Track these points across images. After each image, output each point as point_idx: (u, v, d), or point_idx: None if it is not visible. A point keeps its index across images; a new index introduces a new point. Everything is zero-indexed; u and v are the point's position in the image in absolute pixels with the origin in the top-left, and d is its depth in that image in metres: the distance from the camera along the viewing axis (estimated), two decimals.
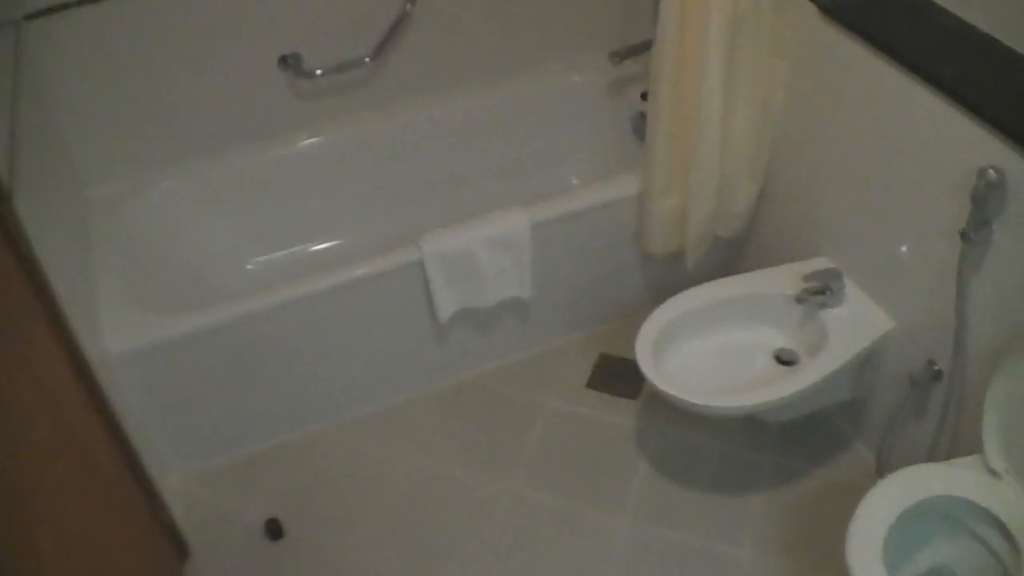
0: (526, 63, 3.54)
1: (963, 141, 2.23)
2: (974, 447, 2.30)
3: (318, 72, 3.17)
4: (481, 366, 3.21)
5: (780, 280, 2.77)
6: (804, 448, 2.97)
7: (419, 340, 3.03)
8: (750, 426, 3.00)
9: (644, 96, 3.29)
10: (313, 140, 3.34)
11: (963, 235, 2.23)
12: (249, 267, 3.39)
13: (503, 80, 3.52)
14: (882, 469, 2.76)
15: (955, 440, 2.58)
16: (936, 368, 2.55)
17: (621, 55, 3.37)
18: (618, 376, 3.16)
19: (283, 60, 3.13)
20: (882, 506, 2.20)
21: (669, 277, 3.16)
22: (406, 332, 3.00)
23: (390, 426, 3.06)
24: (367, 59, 3.21)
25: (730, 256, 3.27)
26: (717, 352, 2.74)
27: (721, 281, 2.80)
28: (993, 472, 2.26)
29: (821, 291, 2.66)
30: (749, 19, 2.60)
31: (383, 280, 2.81)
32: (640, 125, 3.22)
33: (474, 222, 2.86)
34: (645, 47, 3.10)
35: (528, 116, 3.59)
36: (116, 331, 2.62)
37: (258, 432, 3.00)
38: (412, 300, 2.90)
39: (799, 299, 2.67)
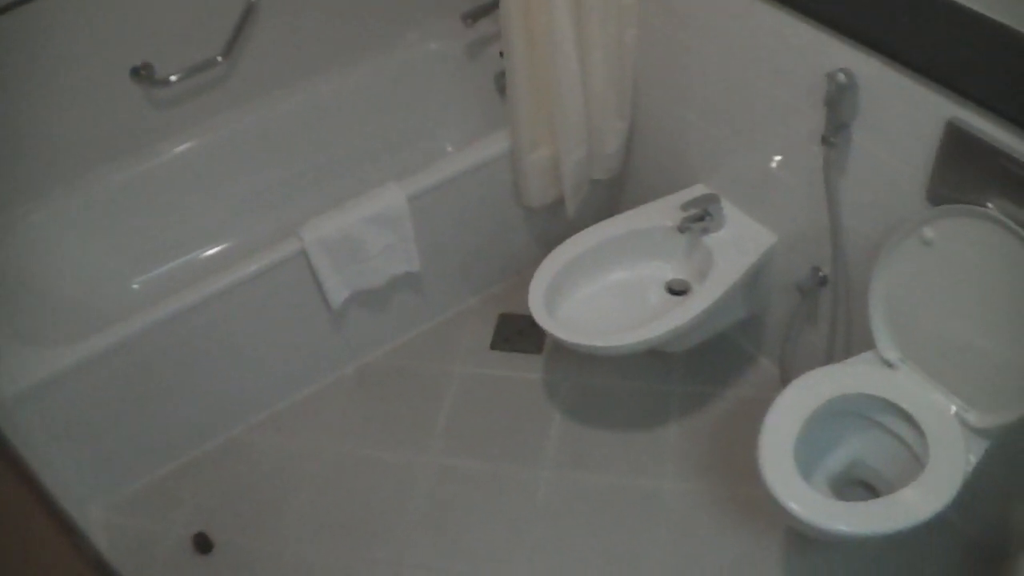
0: (382, 38, 3.51)
1: (809, 49, 2.28)
2: (868, 343, 2.37)
3: (173, 78, 3.10)
4: (383, 345, 3.21)
5: (660, 213, 2.80)
6: (710, 372, 3.03)
7: (317, 329, 3.01)
8: (655, 360, 3.04)
9: (503, 54, 3.29)
10: (182, 147, 3.26)
11: (824, 140, 2.29)
12: (135, 287, 3.32)
13: (362, 58, 3.49)
14: (787, 379, 2.82)
15: (850, 339, 2.65)
16: (821, 273, 2.61)
17: (473, 16, 3.36)
18: (519, 333, 3.18)
19: (135, 72, 3.05)
20: (787, 414, 2.25)
21: (554, 227, 3.18)
22: (303, 324, 2.97)
23: (303, 419, 3.05)
24: (219, 58, 3.15)
25: (611, 198, 3.30)
26: (610, 293, 2.78)
27: (603, 223, 2.82)
28: (888, 363, 2.34)
29: (701, 217, 2.70)
30: None
31: (269, 276, 2.78)
32: (503, 83, 3.21)
33: (351, 204, 2.84)
34: (495, 4, 3.10)
35: (393, 90, 3.57)
36: (6, 373, 2.56)
37: (171, 448, 2.95)
38: (303, 291, 2.88)
39: (681, 228, 2.70)
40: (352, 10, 3.38)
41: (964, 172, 2.06)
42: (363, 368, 3.17)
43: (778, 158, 2.57)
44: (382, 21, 3.48)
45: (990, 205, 2.02)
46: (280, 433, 3.02)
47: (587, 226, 2.83)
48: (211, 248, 3.43)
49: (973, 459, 2.16)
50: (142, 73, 3.06)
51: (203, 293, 2.70)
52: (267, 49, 3.27)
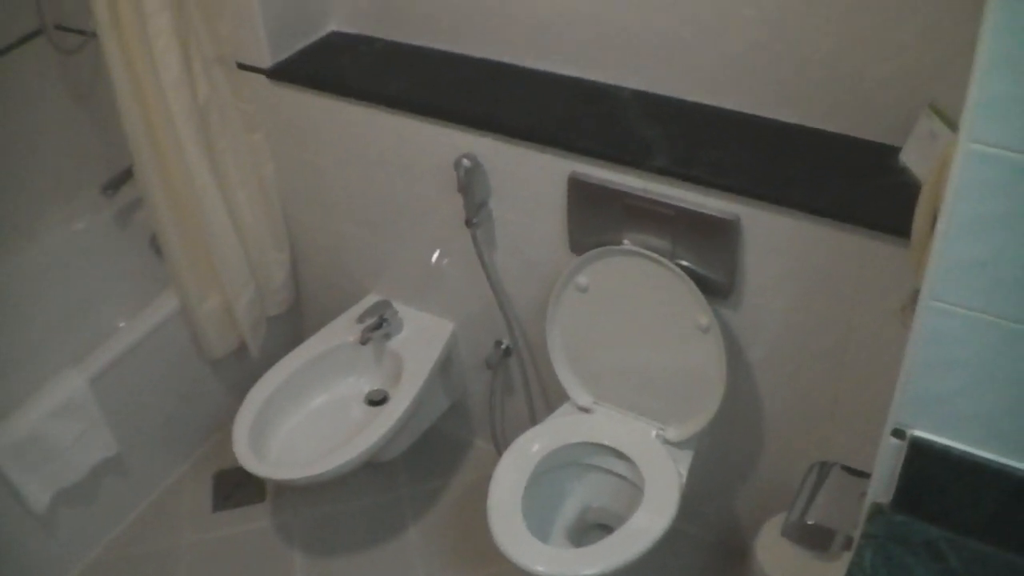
0: (22, 229, 3.36)
1: (431, 144, 2.42)
2: (564, 396, 2.50)
3: None
4: (103, 537, 3.03)
5: (340, 331, 2.85)
6: (432, 467, 3.08)
7: (28, 541, 2.81)
8: (376, 471, 3.06)
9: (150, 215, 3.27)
10: None
11: (468, 223, 2.42)
12: None
13: (5, 253, 3.34)
14: (503, 452, 2.92)
15: (547, 398, 2.79)
16: (504, 345, 2.74)
17: (112, 186, 3.33)
18: (238, 486, 3.12)
19: None
20: (507, 485, 2.33)
21: (245, 372, 3.13)
22: (11, 536, 2.77)
23: None
24: None
25: (293, 329, 3.30)
26: (313, 420, 2.78)
27: (289, 356, 2.82)
28: (584, 409, 2.47)
29: (379, 325, 2.77)
30: (212, 108, 2.65)
31: None
32: (157, 244, 3.20)
33: (30, 401, 2.72)
34: (130, 170, 3.08)
35: (48, 279, 3.42)
36: None
37: None
38: (1, 503, 2.71)
39: (363, 340, 2.75)
40: None
41: (595, 218, 2.24)
42: (89, 568, 2.98)
43: (437, 252, 2.68)
44: (18, 212, 3.34)
45: (626, 241, 2.19)
46: None
47: (276, 362, 2.83)
48: None
49: (683, 471, 2.32)
50: None
51: None
52: None
